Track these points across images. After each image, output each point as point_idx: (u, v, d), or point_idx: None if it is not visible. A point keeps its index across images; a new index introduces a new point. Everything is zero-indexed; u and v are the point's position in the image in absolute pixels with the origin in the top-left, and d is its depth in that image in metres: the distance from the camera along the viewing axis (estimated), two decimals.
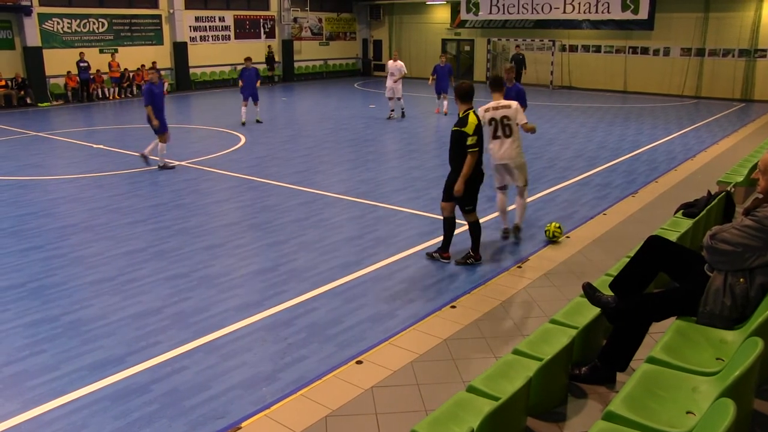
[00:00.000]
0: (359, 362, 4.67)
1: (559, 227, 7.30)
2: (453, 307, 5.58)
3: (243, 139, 14.69)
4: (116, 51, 25.36)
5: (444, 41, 31.38)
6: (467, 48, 31.08)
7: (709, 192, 6.57)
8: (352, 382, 4.36)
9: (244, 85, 16.88)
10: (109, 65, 24.92)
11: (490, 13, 28.28)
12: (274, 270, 6.70)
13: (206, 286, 6.28)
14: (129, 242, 7.61)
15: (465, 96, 6.48)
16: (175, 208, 9.01)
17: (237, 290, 6.20)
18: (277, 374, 4.67)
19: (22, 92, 23.06)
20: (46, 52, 23.63)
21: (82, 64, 23.85)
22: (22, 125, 17.76)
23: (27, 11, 22.92)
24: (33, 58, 23.24)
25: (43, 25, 23.82)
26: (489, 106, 7.11)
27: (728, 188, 6.91)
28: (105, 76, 25.03)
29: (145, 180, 10.81)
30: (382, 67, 30.75)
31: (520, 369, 3.63)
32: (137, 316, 5.65)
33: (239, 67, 18.24)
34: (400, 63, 17.77)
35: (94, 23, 25.15)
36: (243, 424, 3.99)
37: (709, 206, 5.98)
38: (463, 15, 29.22)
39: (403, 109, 18.12)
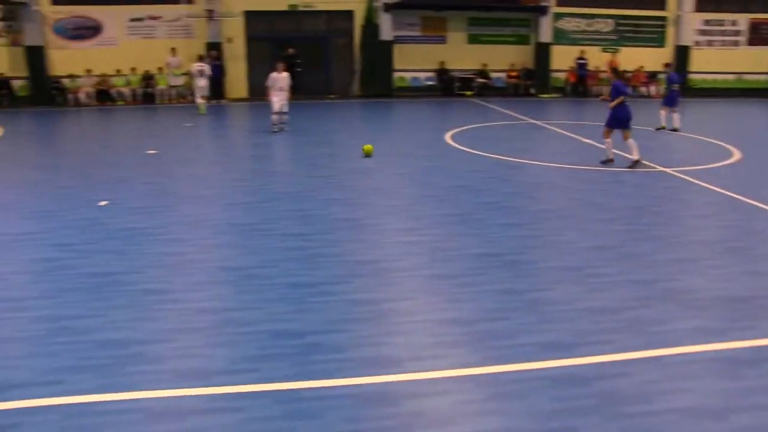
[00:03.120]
0: None
1: None
2: None
3: (736, 154, 13.44)
4: (617, 51, 25.74)
5: None
6: None
7: None
8: None
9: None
10: (610, 64, 25.43)
11: None
12: (746, 301, 6.01)
13: (669, 299, 6.00)
14: (599, 238, 7.76)
15: None
16: (651, 215, 8.80)
17: (701, 311, 5.76)
18: (728, 414, 4.22)
19: (528, 83, 25.35)
20: (553, 48, 25.44)
21: (581, 61, 24.97)
22: (523, 112, 19.57)
23: (544, 11, 24.97)
24: (542, 53, 25.26)
25: (556, 24, 25.61)
26: None
27: None
28: (603, 75, 25.66)
29: (626, 180, 10.82)
30: None
31: None
32: (594, 310, 5.74)
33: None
34: None
35: (599, 23, 25.97)
36: None
37: None
38: None
39: None
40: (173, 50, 22.74)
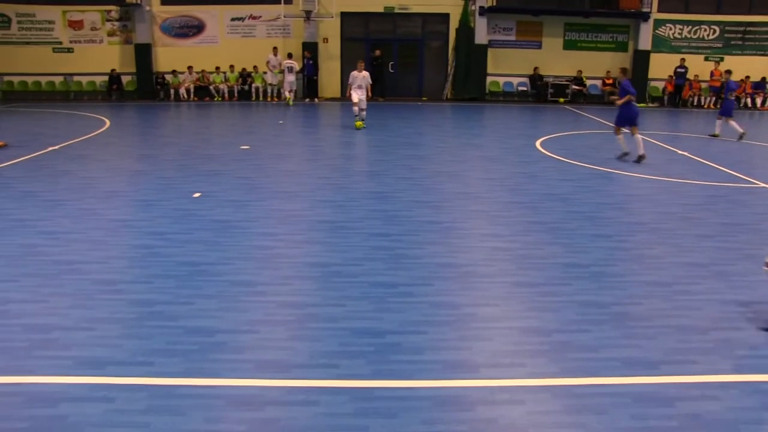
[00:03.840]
0: None
1: None
2: None
3: None
4: (722, 59, 24.58)
5: None
6: None
7: None
8: None
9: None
10: (711, 73, 24.35)
11: None
12: None
13: (763, 323, 5.69)
14: (691, 254, 7.44)
15: None
16: (750, 232, 8.35)
17: None
18: None
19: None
20: (652, 56, 24.56)
21: (680, 70, 24.01)
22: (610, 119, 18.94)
23: (645, 17, 24.13)
24: (640, 60, 24.43)
25: (657, 31, 24.70)
26: None
27: None
28: (704, 84, 24.62)
29: (722, 196, 10.31)
30: None
31: None
32: (680, 329, 5.51)
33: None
34: None
35: (705, 30, 24.87)
36: None
37: None
38: None
39: None
40: (275, 49, 23.65)
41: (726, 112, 16.70)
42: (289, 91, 22.87)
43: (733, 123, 16.39)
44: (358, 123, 16.92)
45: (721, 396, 4.50)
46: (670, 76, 24.44)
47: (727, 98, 16.81)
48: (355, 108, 16.94)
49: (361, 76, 16.79)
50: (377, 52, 24.40)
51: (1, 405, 4.24)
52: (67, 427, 3.99)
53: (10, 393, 4.37)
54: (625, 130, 13.31)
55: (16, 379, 4.55)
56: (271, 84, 24.31)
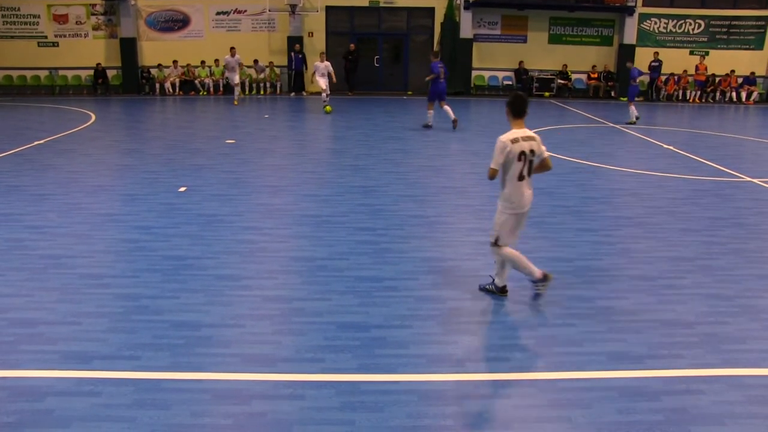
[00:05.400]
0: None
1: None
2: None
3: None
4: (707, 54, 24.75)
5: None
6: None
7: None
8: None
9: None
10: (696, 68, 24.52)
11: None
12: None
13: (749, 317, 5.74)
14: (676, 248, 7.50)
15: None
16: (735, 226, 8.43)
17: None
18: None
19: (610, 85, 24.72)
20: (637, 50, 24.70)
21: (653, 64, 24.15)
22: (603, 116, 19.13)
23: (630, 11, 24.22)
24: (625, 54, 24.53)
25: (642, 25, 24.81)
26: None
27: None
28: (690, 78, 24.78)
29: (708, 190, 10.39)
30: None
31: None
32: (667, 323, 5.56)
33: None
34: None
35: (690, 24, 25.00)
36: None
37: None
38: None
39: None
40: (232, 49, 21.19)
41: (630, 97, 18.36)
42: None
43: (632, 107, 17.95)
44: (328, 108, 18.26)
45: (707, 390, 4.53)
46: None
47: (630, 84, 18.37)
48: (323, 95, 19.07)
49: (323, 66, 19.16)
50: (351, 47, 24.44)
51: None
52: (54, 421, 3.97)
53: None
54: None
55: (2, 373, 4.52)
56: (236, 84, 21.69)
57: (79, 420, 3.98)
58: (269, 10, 24.32)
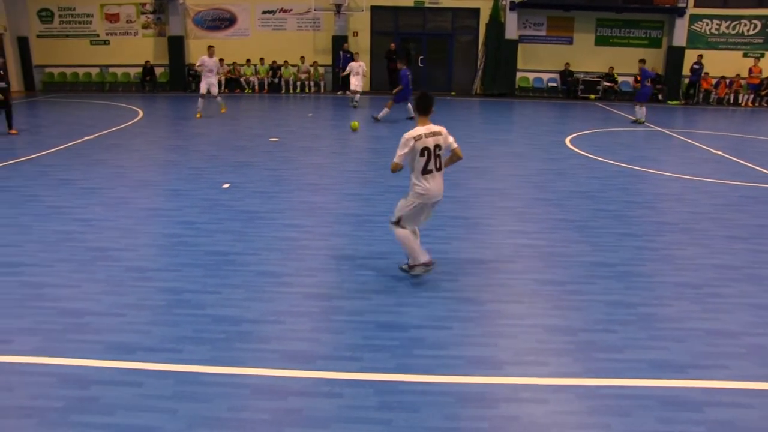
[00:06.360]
0: None
1: None
2: None
3: None
4: (762, 56, 24.01)
5: None
6: None
7: None
8: None
9: None
10: (750, 70, 23.81)
11: None
12: None
13: None
14: (722, 256, 7.31)
15: None
16: None
17: None
18: None
19: (658, 88, 24.13)
20: (687, 53, 24.11)
21: (695, 66, 23.58)
22: (649, 119, 18.69)
23: (681, 12, 23.66)
24: (674, 57, 24.00)
25: (693, 26, 24.23)
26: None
27: None
28: (742, 81, 24.10)
29: (756, 197, 10.10)
30: None
31: None
32: (711, 332, 5.42)
33: None
34: None
35: (745, 25, 24.30)
36: None
37: None
38: None
39: None
40: (210, 49, 19.00)
41: (641, 98, 18.07)
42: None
43: (638, 107, 17.92)
44: (355, 124, 16.74)
45: (756, 404, 4.39)
46: (707, 73, 23.98)
47: (643, 84, 18.13)
48: (350, 94, 19.75)
49: (357, 65, 19.62)
50: (392, 46, 24.38)
51: (36, 384, 4.36)
52: (99, 408, 4.09)
53: (44, 373, 4.49)
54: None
55: (51, 360, 4.67)
56: (211, 88, 18.44)
57: (123, 409, 4.09)
58: (314, 10, 24.52)
